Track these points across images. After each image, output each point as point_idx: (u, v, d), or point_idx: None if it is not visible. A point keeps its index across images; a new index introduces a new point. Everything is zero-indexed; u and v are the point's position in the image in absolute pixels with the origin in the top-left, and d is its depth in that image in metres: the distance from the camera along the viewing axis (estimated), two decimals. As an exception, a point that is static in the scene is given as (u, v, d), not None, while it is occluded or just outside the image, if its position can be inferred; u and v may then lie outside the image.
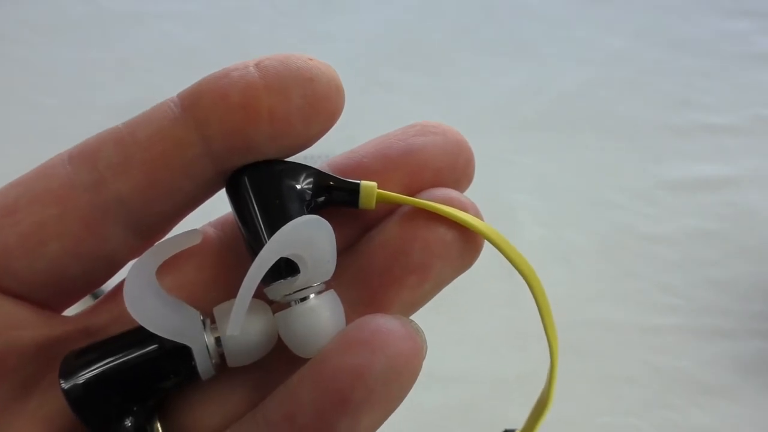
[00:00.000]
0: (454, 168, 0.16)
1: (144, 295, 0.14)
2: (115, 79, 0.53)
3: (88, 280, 0.15)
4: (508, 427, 0.16)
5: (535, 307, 0.16)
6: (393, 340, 0.12)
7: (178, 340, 0.14)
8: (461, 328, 0.39)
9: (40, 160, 0.15)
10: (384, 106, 0.49)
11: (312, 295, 0.14)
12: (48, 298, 0.15)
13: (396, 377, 0.12)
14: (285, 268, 0.14)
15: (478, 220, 0.15)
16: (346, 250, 0.16)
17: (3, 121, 0.49)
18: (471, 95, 0.51)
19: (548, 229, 0.43)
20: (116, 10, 0.59)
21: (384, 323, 0.13)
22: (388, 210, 0.16)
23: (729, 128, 0.49)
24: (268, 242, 0.13)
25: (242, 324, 0.13)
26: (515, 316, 0.39)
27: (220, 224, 0.16)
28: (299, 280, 0.14)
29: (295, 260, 0.14)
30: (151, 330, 0.14)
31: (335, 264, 0.14)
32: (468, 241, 0.15)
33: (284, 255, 0.14)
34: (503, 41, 0.56)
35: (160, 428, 0.14)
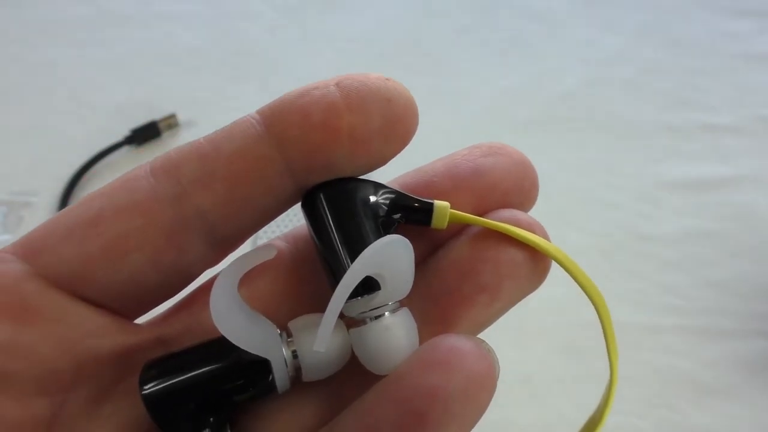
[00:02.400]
0: (520, 189, 0.16)
1: (229, 308, 0.14)
2: (115, 79, 0.53)
3: (164, 290, 0.16)
4: None
5: (534, 307, 0.16)
6: (468, 360, 0.13)
7: (258, 354, 0.14)
8: (461, 328, 0.39)
9: (41, 159, 0.15)
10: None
11: (387, 313, 0.14)
12: (124, 307, 0.16)
13: (472, 397, 0.13)
14: (364, 285, 0.14)
15: (546, 241, 0.15)
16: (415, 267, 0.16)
17: (3, 121, 0.49)
18: (471, 95, 0.51)
19: (548, 229, 0.42)
20: (116, 10, 0.59)
21: (458, 343, 0.13)
22: (457, 230, 0.16)
23: (729, 128, 0.49)
24: (356, 261, 0.13)
25: (328, 342, 0.13)
26: (515, 316, 0.39)
27: (292, 237, 0.17)
28: (377, 299, 0.14)
29: (377, 278, 0.14)
30: (234, 342, 0.14)
31: (412, 284, 0.15)
32: (536, 262, 0.15)
33: (368, 274, 0.14)
34: (503, 41, 0.56)
35: None
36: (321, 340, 0.13)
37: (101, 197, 0.15)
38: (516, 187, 0.16)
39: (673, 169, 0.46)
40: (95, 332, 0.15)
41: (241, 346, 0.14)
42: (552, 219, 0.43)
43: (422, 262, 0.16)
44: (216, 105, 0.49)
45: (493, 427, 0.39)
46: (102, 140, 0.46)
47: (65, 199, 0.43)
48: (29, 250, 0.15)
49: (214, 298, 0.14)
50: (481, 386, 0.13)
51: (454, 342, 0.13)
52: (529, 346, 0.39)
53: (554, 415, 0.34)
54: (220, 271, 0.15)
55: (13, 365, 0.14)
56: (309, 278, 0.16)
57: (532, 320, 0.39)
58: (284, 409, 0.15)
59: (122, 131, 0.46)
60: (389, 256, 0.14)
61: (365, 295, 0.14)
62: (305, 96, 0.14)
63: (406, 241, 0.14)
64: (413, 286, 0.15)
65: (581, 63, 0.54)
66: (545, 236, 0.15)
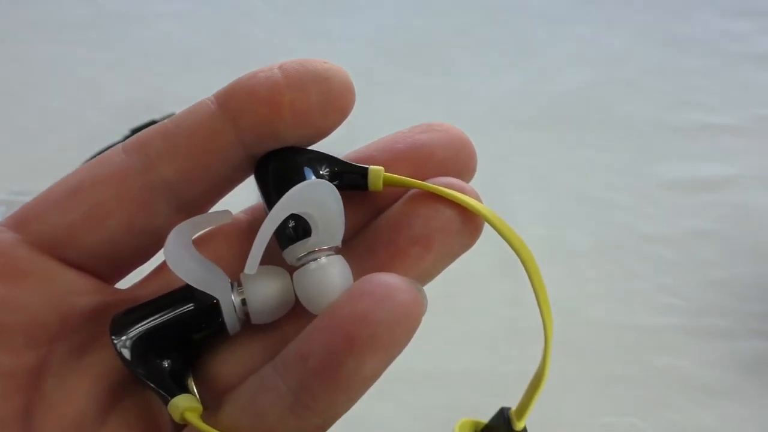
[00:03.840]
0: (456, 160, 0.17)
1: (181, 250, 0.16)
2: (115, 79, 0.53)
3: (139, 253, 0.18)
4: (504, 406, 0.17)
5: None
6: (395, 291, 0.14)
7: (209, 292, 0.16)
8: (462, 328, 0.39)
9: (41, 159, 0.16)
10: (384, 106, 0.49)
11: (323, 257, 0.16)
12: (104, 270, 0.18)
13: (398, 324, 0.14)
14: (298, 231, 0.16)
15: (476, 201, 0.16)
16: (358, 232, 0.18)
17: (3, 121, 0.49)
18: (471, 95, 0.51)
19: (548, 229, 0.43)
20: (116, 10, 0.59)
21: (388, 278, 0.14)
22: (396, 196, 0.17)
23: (729, 128, 0.49)
24: (281, 199, 0.15)
25: (257, 264, 0.15)
26: (515, 316, 0.39)
27: (251, 210, 0.19)
28: (311, 242, 0.16)
29: (306, 219, 0.15)
30: (186, 280, 0.16)
31: (344, 230, 0.16)
32: (468, 221, 0.16)
33: (294, 211, 0.15)
34: (503, 41, 0.56)
35: (192, 381, 0.17)
36: (250, 262, 0.15)
37: (80, 172, 0.17)
38: (452, 159, 0.17)
39: (673, 169, 0.46)
40: (78, 291, 0.17)
41: (193, 284, 0.16)
42: (552, 219, 0.44)
43: (364, 226, 0.18)
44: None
45: (493, 427, 0.39)
46: (102, 140, 0.46)
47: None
48: (20, 221, 0.17)
49: (168, 242, 0.16)
50: (406, 315, 0.14)
51: (384, 277, 0.14)
52: (530, 347, 0.38)
53: (554, 415, 0.34)
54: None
55: (6, 319, 0.16)
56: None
57: (533, 320, 0.39)
58: (236, 350, 0.17)
59: (122, 131, 0.46)
60: (315, 196, 0.15)
61: (300, 241, 0.16)
62: (252, 78, 0.17)
63: (330, 184, 0.16)
64: (355, 245, 0.17)
65: (581, 63, 0.54)
66: (478, 199, 0.16)
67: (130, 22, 0.58)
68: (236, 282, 0.17)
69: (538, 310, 0.16)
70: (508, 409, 0.17)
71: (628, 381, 0.37)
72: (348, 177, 0.17)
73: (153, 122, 0.46)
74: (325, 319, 0.14)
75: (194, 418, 0.15)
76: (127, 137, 0.20)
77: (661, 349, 0.38)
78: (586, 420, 0.33)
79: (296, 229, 0.16)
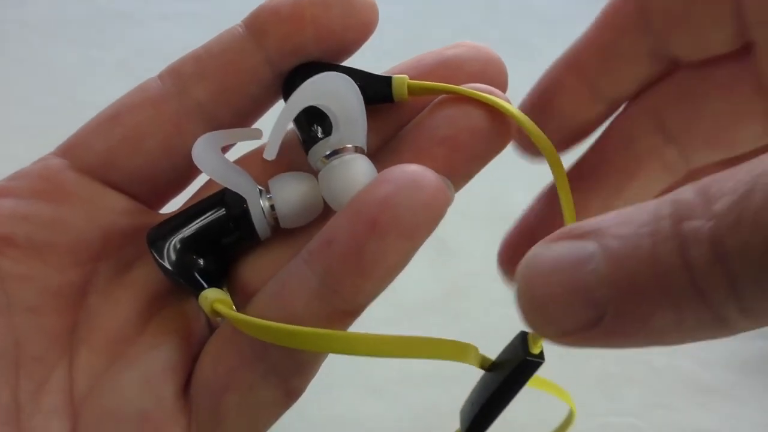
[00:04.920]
0: (484, 73, 0.17)
1: (210, 152, 0.16)
2: (115, 79, 0.53)
3: (177, 178, 0.19)
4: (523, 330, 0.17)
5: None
6: (419, 178, 0.14)
7: (237, 191, 0.16)
8: (462, 328, 0.39)
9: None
10: (384, 106, 0.49)
11: (346, 155, 0.16)
12: (146, 194, 0.19)
13: (422, 209, 0.13)
14: (320, 131, 0.16)
15: (504, 101, 0.16)
16: (386, 143, 0.18)
17: (3, 120, 0.49)
18: (471, 95, 0.51)
19: (548, 229, 0.42)
20: (116, 9, 0.59)
21: (411, 167, 0.14)
22: (424, 107, 0.17)
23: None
24: (299, 87, 0.15)
25: (276, 150, 0.15)
26: (515, 316, 0.39)
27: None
28: (332, 140, 0.16)
29: (327, 114, 0.16)
30: (213, 177, 0.16)
31: (366, 128, 0.16)
32: (497, 122, 0.16)
33: (313, 102, 0.15)
34: (504, 41, 0.56)
35: (225, 287, 0.17)
36: (270, 148, 0.15)
37: (120, 100, 0.18)
38: (480, 71, 0.17)
39: (673, 169, 0.46)
40: (121, 212, 0.18)
41: (219, 181, 0.16)
42: (552, 219, 0.43)
43: (394, 136, 0.18)
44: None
45: (493, 427, 0.39)
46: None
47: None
48: (67, 148, 0.19)
49: (197, 143, 0.16)
50: (431, 202, 0.13)
51: (408, 167, 0.14)
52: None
53: (554, 416, 0.34)
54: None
55: (54, 238, 0.17)
56: (295, 161, 0.18)
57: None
58: (267, 256, 0.17)
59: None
60: (333, 88, 0.15)
61: (322, 140, 0.16)
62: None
63: (349, 79, 0.16)
64: (382, 154, 0.17)
65: (581, 63, 0.54)
66: (508, 101, 0.16)
67: (129, 22, 0.58)
68: (264, 188, 0.17)
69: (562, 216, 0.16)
70: (526, 333, 0.16)
71: (628, 381, 0.37)
72: (372, 88, 0.17)
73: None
74: (350, 206, 0.14)
75: (223, 308, 0.15)
76: (380, 76, 0.19)
77: (661, 349, 0.38)
78: (586, 420, 0.33)
79: (318, 129, 0.16)
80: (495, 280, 0.41)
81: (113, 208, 0.18)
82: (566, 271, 0.12)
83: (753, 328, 0.12)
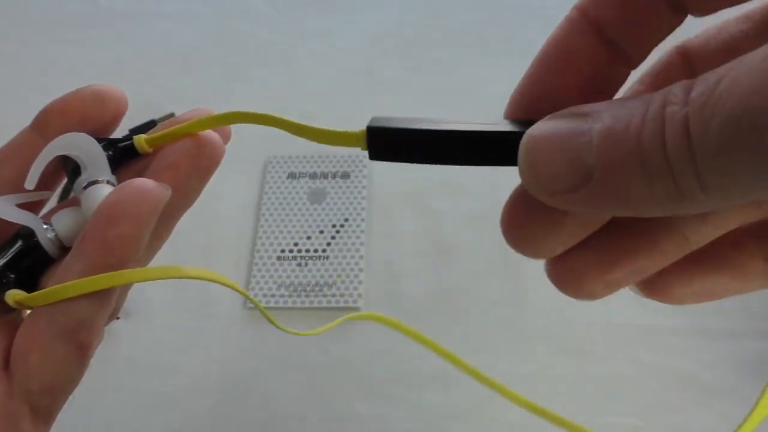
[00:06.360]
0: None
1: (8, 205, 0.22)
2: (114, 79, 0.53)
3: None
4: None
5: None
6: (140, 184, 0.20)
7: (27, 224, 0.22)
8: (462, 328, 0.39)
9: None
10: (384, 106, 0.49)
11: (96, 184, 0.22)
12: None
13: (141, 202, 0.20)
14: (75, 170, 0.22)
15: (210, 114, 0.23)
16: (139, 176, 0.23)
17: (3, 120, 0.49)
18: (472, 94, 0.51)
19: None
20: (115, 9, 0.59)
21: (136, 180, 0.20)
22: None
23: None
24: (49, 144, 0.21)
25: (35, 182, 0.21)
26: (515, 316, 0.39)
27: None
28: (83, 176, 0.22)
29: (77, 161, 0.22)
30: (8, 218, 0.21)
31: (108, 166, 0.22)
32: (200, 143, 0.22)
33: (61, 153, 0.21)
34: (504, 40, 0.56)
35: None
36: (30, 179, 0.21)
37: None
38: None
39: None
40: None
41: (13, 220, 0.21)
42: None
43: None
44: (215, 104, 0.49)
45: (493, 427, 0.39)
46: (101, 140, 0.46)
47: (64, 197, 0.43)
48: None
49: None
50: (149, 196, 0.20)
51: (133, 180, 0.20)
52: (530, 347, 0.38)
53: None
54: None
55: None
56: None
57: (532, 320, 0.39)
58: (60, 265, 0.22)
59: (121, 130, 0.46)
60: (73, 142, 0.22)
61: (77, 178, 0.22)
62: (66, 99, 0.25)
63: (86, 135, 0.22)
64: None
65: (581, 63, 0.54)
66: (210, 112, 0.22)
67: (129, 21, 0.58)
68: (49, 224, 0.22)
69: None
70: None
71: (628, 381, 0.37)
72: (123, 150, 0.23)
73: (153, 122, 0.46)
74: (95, 212, 0.20)
75: (19, 294, 0.21)
76: (127, 137, 0.23)
77: (661, 349, 0.38)
78: (586, 420, 0.33)
79: (75, 170, 0.22)
80: (495, 280, 0.41)
81: None
82: (563, 138, 0.15)
83: (712, 207, 0.13)
